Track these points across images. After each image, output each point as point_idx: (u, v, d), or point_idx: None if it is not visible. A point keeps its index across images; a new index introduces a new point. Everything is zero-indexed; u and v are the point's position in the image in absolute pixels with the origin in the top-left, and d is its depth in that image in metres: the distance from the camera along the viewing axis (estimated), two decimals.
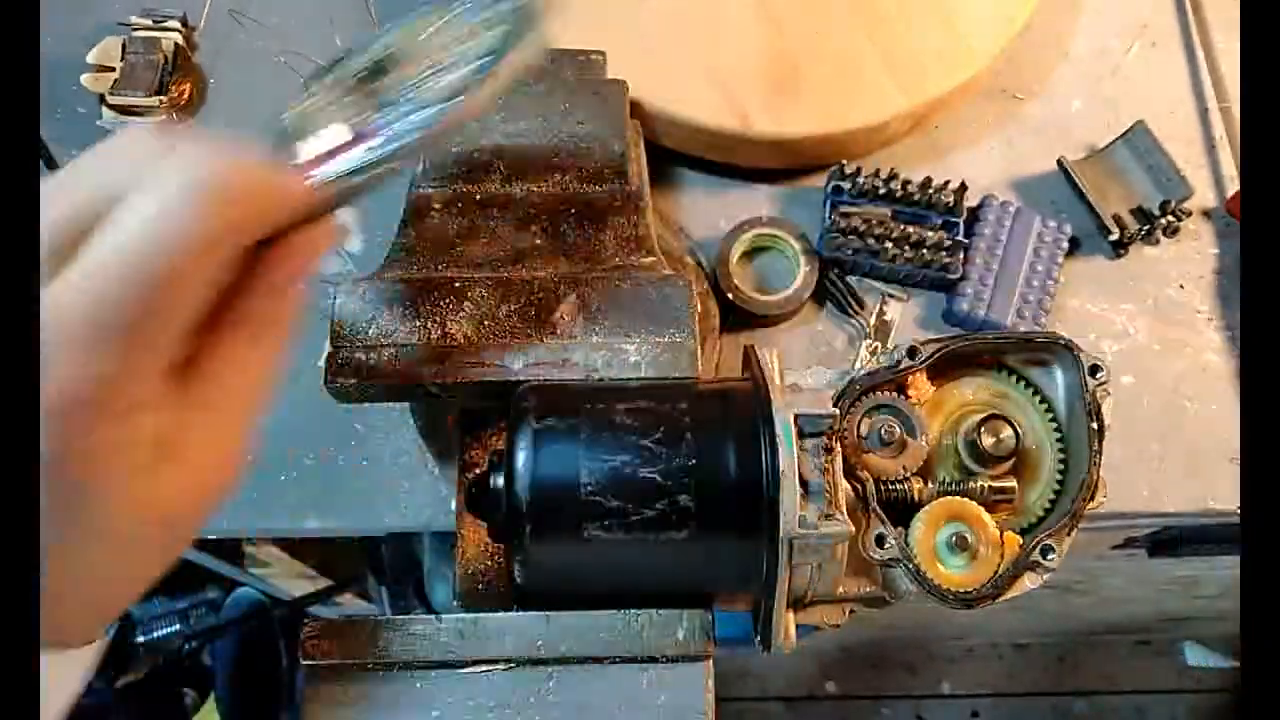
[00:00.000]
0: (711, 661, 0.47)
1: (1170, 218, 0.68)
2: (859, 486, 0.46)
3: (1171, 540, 0.84)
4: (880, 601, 0.48)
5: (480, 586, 0.50)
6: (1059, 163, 0.71)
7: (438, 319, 0.49)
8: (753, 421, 0.43)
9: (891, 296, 0.68)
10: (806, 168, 0.71)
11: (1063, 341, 0.50)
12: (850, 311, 0.67)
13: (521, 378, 0.48)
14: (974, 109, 0.74)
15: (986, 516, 0.46)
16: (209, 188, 0.30)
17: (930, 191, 0.66)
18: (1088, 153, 0.72)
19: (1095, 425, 0.48)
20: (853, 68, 0.67)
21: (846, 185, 0.66)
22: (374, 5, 0.76)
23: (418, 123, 0.37)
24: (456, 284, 0.50)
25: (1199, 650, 1.74)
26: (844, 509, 0.43)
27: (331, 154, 0.37)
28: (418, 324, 0.49)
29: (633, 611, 0.46)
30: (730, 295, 0.66)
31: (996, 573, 0.47)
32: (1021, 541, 0.48)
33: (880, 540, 0.45)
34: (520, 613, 0.46)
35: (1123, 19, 0.77)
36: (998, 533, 0.46)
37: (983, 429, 0.48)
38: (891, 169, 0.67)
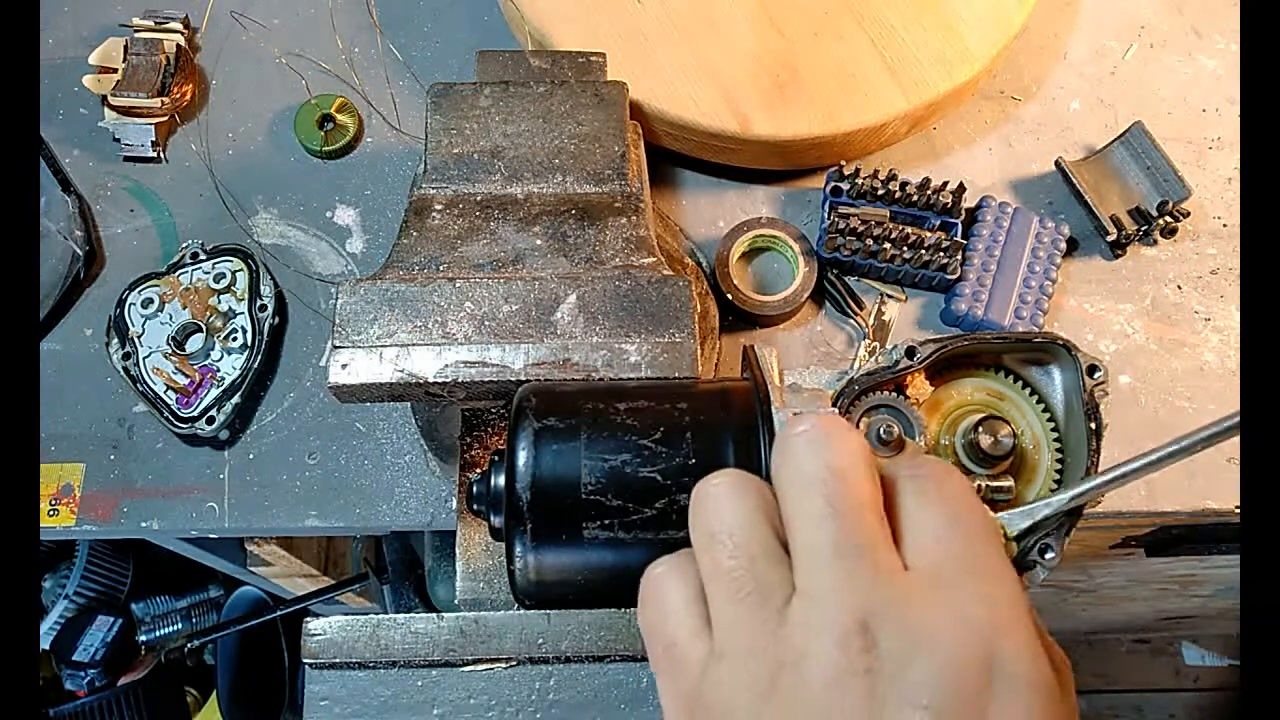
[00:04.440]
0: None
1: (1168, 218, 0.68)
2: None
3: (1169, 540, 0.84)
4: None
5: (481, 585, 0.50)
6: (1057, 163, 0.71)
7: (439, 319, 0.49)
8: (752, 421, 0.43)
9: (890, 297, 0.68)
10: (805, 169, 0.71)
11: (1061, 341, 0.50)
12: (849, 312, 0.67)
13: (521, 378, 0.48)
14: (972, 110, 0.74)
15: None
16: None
17: (929, 192, 0.66)
18: (1086, 153, 0.72)
19: (1093, 425, 0.49)
20: (852, 69, 0.68)
21: (845, 186, 0.67)
22: (375, 7, 0.76)
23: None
24: (457, 284, 0.50)
25: (1196, 649, 1.74)
26: None
27: None
28: (419, 324, 0.49)
29: (633, 610, 0.46)
30: (730, 295, 0.66)
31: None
32: (1019, 541, 0.48)
33: None
34: (521, 612, 0.46)
35: (1120, 20, 0.77)
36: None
37: (981, 429, 0.48)
38: (890, 170, 0.67)
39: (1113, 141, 0.71)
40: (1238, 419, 0.44)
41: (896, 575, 0.31)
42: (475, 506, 0.45)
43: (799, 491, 0.32)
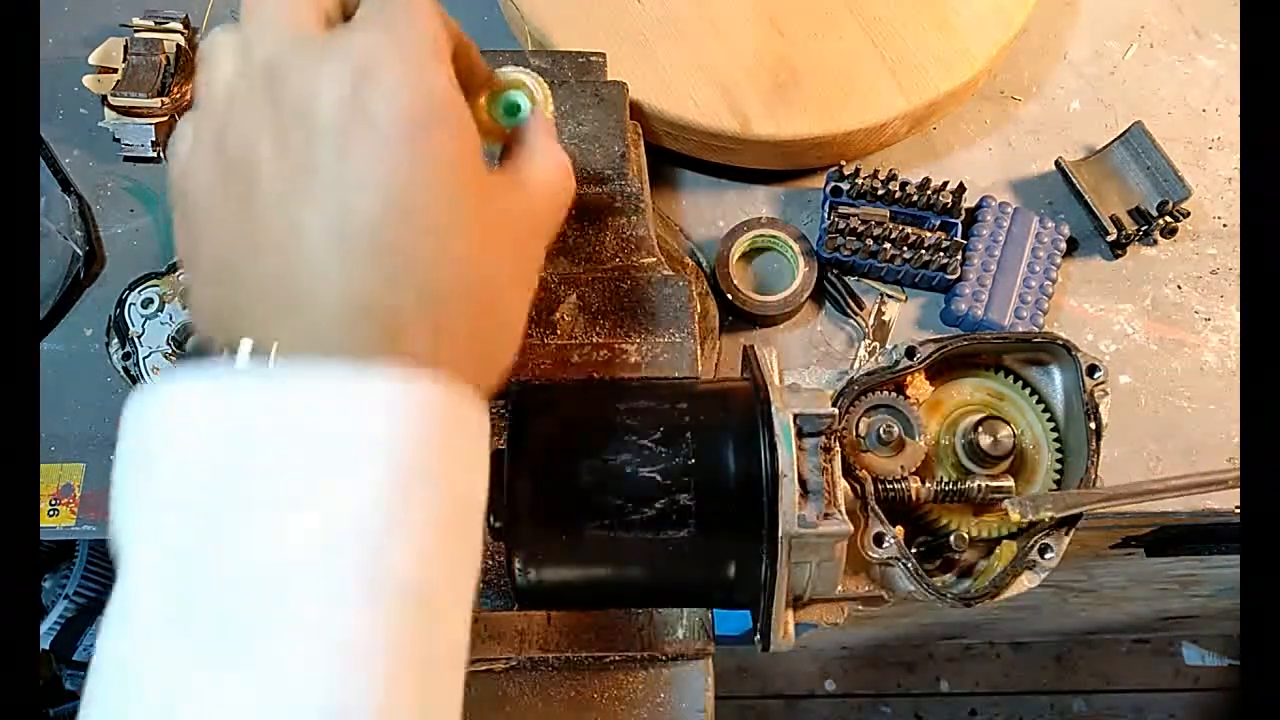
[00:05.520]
0: (711, 660, 0.47)
1: (1168, 218, 0.68)
2: (857, 486, 0.46)
3: (1169, 540, 0.84)
4: (879, 600, 0.48)
5: (481, 585, 0.50)
6: (1057, 164, 0.71)
7: None
8: (752, 421, 0.43)
9: (890, 297, 0.68)
10: (805, 169, 0.71)
11: (1060, 341, 0.50)
12: (849, 312, 0.67)
13: (522, 378, 0.48)
14: (972, 110, 0.74)
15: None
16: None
17: (929, 192, 0.66)
18: (1086, 154, 0.72)
19: (1093, 425, 0.49)
20: (852, 69, 0.68)
21: (845, 186, 0.67)
22: None
23: None
24: None
25: (1196, 649, 1.74)
26: (843, 508, 0.43)
27: None
28: None
29: (633, 610, 0.46)
30: (730, 295, 0.66)
31: (995, 573, 0.47)
32: (1018, 542, 0.48)
33: (879, 539, 0.45)
34: (521, 611, 0.46)
35: (1121, 20, 0.77)
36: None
37: (980, 429, 0.48)
38: (890, 170, 0.67)
39: (1113, 141, 0.71)
40: (1237, 472, 0.44)
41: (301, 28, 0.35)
42: None
43: None
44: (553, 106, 0.45)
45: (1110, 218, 0.69)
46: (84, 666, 1.08)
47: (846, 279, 0.68)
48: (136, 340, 0.65)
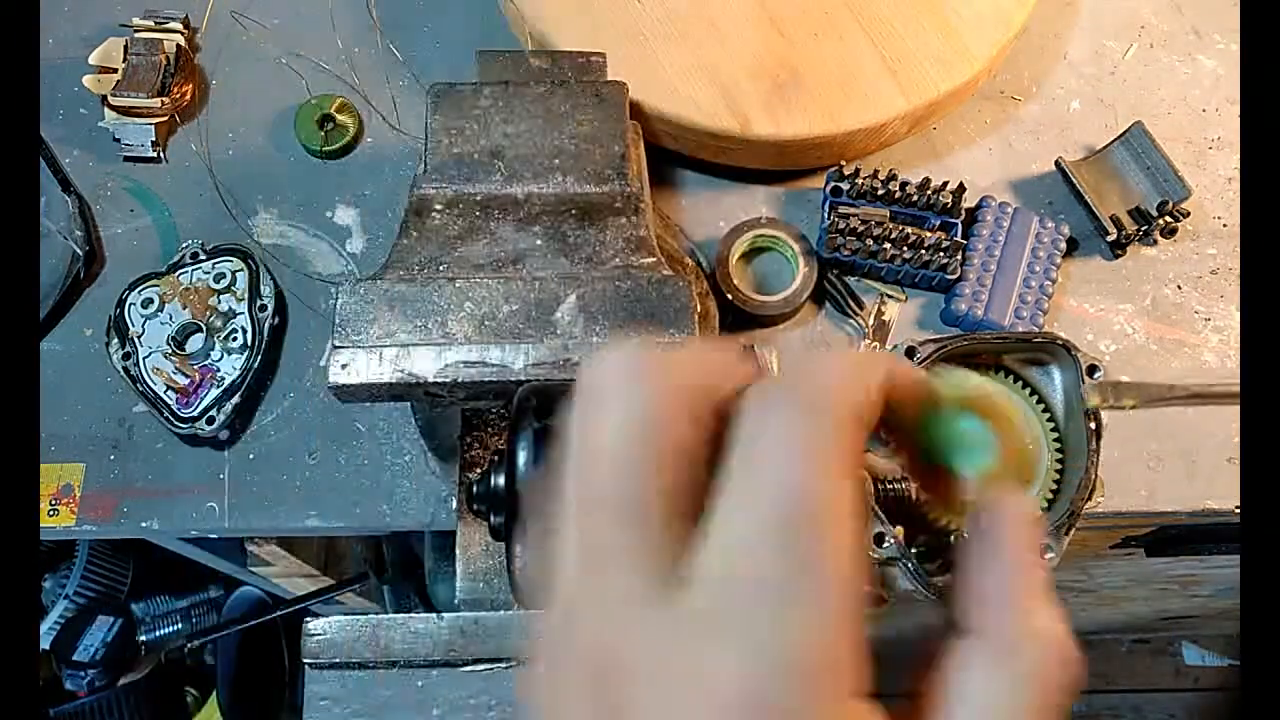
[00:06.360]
0: None
1: (1168, 218, 0.68)
2: None
3: (1169, 540, 0.84)
4: (878, 601, 0.48)
5: (481, 585, 0.50)
6: (1057, 164, 0.71)
7: (439, 319, 0.49)
8: None
9: (890, 297, 0.68)
10: (805, 169, 0.71)
11: (1060, 341, 0.50)
12: (849, 312, 0.67)
13: (521, 378, 0.48)
14: (972, 110, 0.74)
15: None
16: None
17: (929, 192, 0.66)
18: (1086, 154, 0.72)
19: (1093, 425, 0.49)
20: (852, 69, 0.68)
21: (845, 186, 0.67)
22: (375, 7, 0.76)
23: None
24: (457, 284, 0.50)
25: (1196, 649, 1.74)
26: None
27: None
28: (419, 324, 0.49)
29: None
30: (730, 295, 0.66)
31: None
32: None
33: (879, 539, 0.45)
34: (521, 611, 0.46)
35: (1120, 20, 0.77)
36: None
37: None
38: (890, 170, 0.67)
39: (1113, 141, 0.71)
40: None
41: (664, 600, 0.22)
42: (475, 506, 0.45)
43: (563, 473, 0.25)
44: (1042, 434, 0.26)
45: (1110, 218, 0.69)
46: (84, 666, 1.08)
47: (846, 279, 0.68)
48: (136, 340, 0.64)
